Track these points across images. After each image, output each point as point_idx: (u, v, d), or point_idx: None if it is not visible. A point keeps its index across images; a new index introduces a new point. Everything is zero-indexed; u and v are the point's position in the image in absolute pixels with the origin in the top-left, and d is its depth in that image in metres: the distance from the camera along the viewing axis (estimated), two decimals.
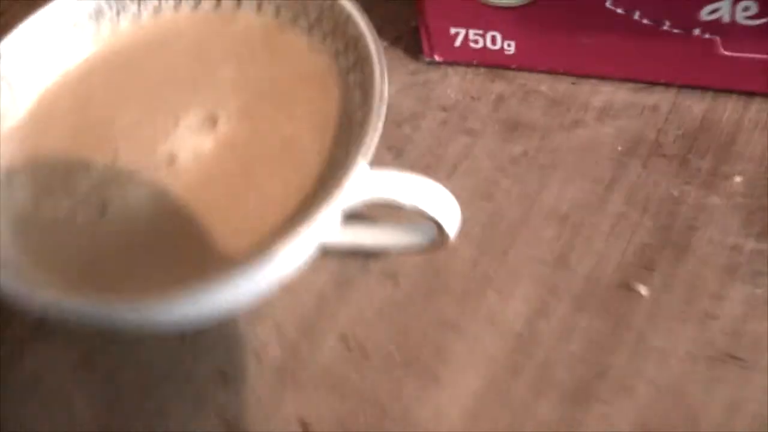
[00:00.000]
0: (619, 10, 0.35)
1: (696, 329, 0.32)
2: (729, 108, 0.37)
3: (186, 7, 0.37)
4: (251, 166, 0.32)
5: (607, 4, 0.35)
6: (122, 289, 0.31)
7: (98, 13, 0.37)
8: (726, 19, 0.34)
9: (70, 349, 0.35)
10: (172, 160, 0.33)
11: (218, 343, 0.34)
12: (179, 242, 0.31)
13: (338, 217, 0.30)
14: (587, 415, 0.31)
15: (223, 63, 0.35)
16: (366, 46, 0.32)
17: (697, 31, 0.35)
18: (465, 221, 0.33)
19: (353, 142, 0.30)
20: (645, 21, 0.35)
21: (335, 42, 0.34)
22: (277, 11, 0.36)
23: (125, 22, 0.37)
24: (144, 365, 0.34)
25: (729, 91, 0.38)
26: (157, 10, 0.37)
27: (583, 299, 0.34)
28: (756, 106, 0.37)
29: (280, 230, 0.29)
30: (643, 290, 0.34)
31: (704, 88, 0.38)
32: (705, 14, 0.34)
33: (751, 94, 0.37)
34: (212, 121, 0.34)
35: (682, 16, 0.35)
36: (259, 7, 0.36)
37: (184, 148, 0.33)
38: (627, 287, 0.34)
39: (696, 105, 0.38)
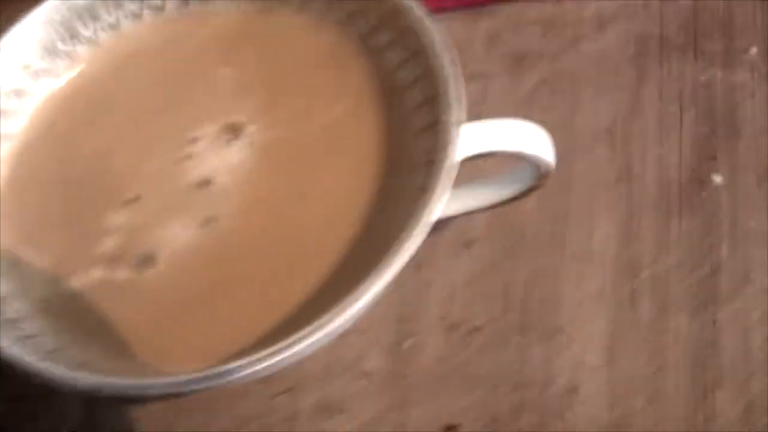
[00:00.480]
0: None
1: None
2: None
3: (149, 16, 0.32)
4: (299, 168, 0.29)
5: None
6: (173, 357, 0.26)
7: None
8: None
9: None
10: (206, 184, 0.28)
11: (312, 372, 0.30)
12: (238, 288, 0.27)
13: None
14: (720, 317, 0.30)
15: (214, 66, 0.31)
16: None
17: None
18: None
19: (428, 104, 0.27)
20: None
21: (342, 8, 0.30)
22: None
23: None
24: (236, 411, 0.30)
25: None
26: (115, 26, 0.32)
27: (665, 205, 0.32)
28: None
29: (378, 245, 0.26)
30: (717, 179, 0.33)
31: None
32: None
33: None
34: (233, 131, 0.30)
35: None
36: None
37: (216, 168, 0.29)
38: (700, 181, 0.33)
39: None
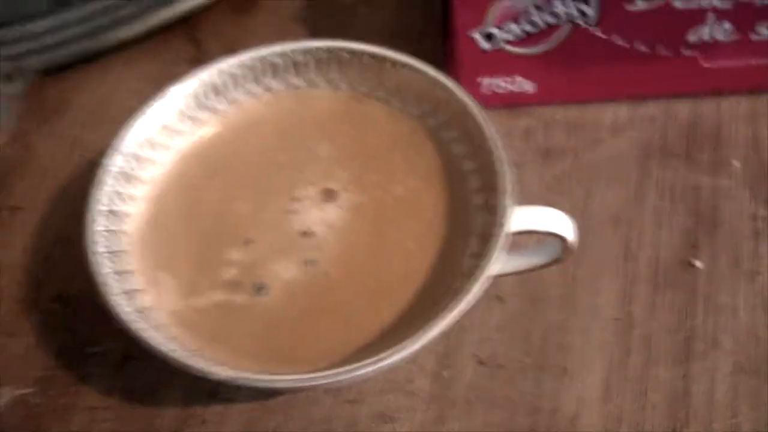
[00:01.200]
0: (624, 44, 0.43)
1: (748, 285, 0.41)
2: (708, 108, 0.46)
3: (264, 95, 0.41)
4: (380, 228, 0.37)
5: (614, 40, 0.43)
6: (295, 358, 0.35)
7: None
8: (707, 38, 0.43)
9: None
10: (308, 234, 0.37)
11: (371, 388, 0.39)
12: (330, 316, 0.36)
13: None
14: (692, 370, 0.38)
15: (315, 140, 0.40)
16: (459, 102, 0.38)
17: (684, 51, 0.44)
18: (538, 236, 0.39)
19: (486, 189, 0.36)
20: (643, 48, 0.43)
21: (420, 106, 0.39)
22: (352, 86, 0.40)
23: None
24: (307, 416, 0.38)
25: (705, 94, 0.46)
26: (236, 101, 0.41)
27: (655, 280, 0.41)
28: (727, 102, 0.46)
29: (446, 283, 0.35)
30: (698, 263, 0.41)
31: (687, 95, 0.46)
32: (691, 36, 0.43)
33: (720, 93, 0.46)
34: (329, 194, 0.38)
35: (673, 40, 0.43)
36: (335, 85, 0.41)
37: (315, 222, 0.37)
38: (684, 263, 0.41)
39: (683, 110, 0.46)
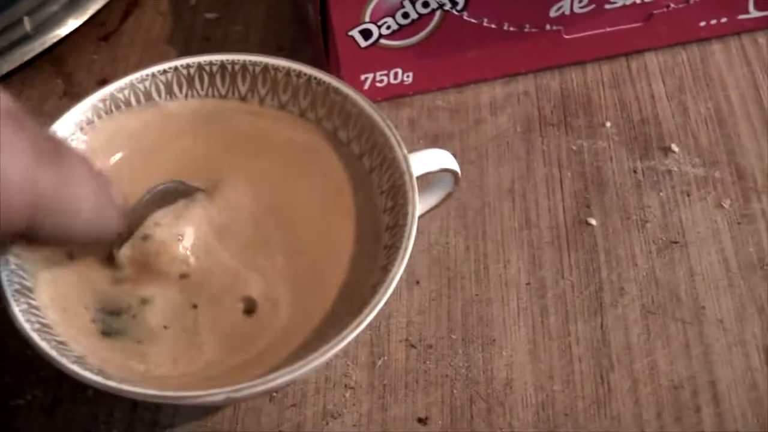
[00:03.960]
0: (493, 25, 0.45)
1: (639, 234, 0.44)
2: (574, 77, 0.49)
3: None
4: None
5: (484, 23, 0.45)
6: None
7: None
8: (567, 11, 0.46)
9: None
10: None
11: (310, 388, 0.39)
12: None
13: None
14: (606, 320, 0.41)
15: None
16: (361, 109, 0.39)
17: (548, 26, 0.46)
18: (442, 220, 0.43)
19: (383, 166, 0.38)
20: (511, 28, 0.46)
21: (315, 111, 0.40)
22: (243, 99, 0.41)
23: None
24: (256, 426, 0.38)
25: (569, 65, 0.49)
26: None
27: (557, 242, 0.43)
28: (591, 70, 0.50)
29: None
30: (593, 221, 0.44)
31: (552, 67, 0.49)
32: (553, 12, 0.46)
33: (583, 63, 0.50)
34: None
35: (537, 17, 0.46)
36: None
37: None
38: (581, 223, 0.44)
39: (551, 82, 0.49)
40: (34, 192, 0.26)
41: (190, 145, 0.40)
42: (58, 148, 0.28)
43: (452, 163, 0.39)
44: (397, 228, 0.36)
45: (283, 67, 0.40)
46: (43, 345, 0.32)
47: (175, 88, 0.40)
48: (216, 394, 0.31)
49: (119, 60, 0.51)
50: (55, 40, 0.49)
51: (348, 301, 0.35)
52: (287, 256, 0.37)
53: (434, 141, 0.47)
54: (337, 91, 0.39)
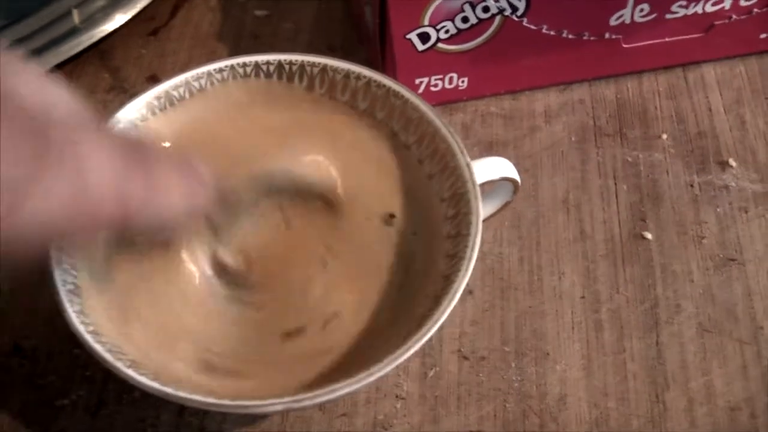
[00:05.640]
0: (552, 32, 0.44)
1: (695, 249, 0.43)
2: (630, 87, 0.49)
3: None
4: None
5: (543, 30, 0.44)
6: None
7: None
8: (627, 20, 0.45)
9: None
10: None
11: (361, 399, 0.38)
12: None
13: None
14: (662, 337, 0.40)
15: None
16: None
17: (607, 35, 0.45)
18: (495, 230, 0.42)
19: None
20: (570, 36, 0.45)
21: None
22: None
23: None
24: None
25: (626, 74, 0.49)
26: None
27: (612, 255, 0.43)
28: (647, 80, 0.49)
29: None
30: (648, 235, 0.43)
31: (609, 77, 0.48)
32: (613, 20, 0.45)
33: (639, 72, 0.49)
34: None
35: (597, 25, 0.45)
36: None
37: None
38: (637, 236, 0.43)
39: (607, 91, 0.48)
40: (124, 201, 0.26)
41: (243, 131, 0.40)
42: (146, 153, 0.28)
43: (513, 172, 0.38)
44: (460, 237, 0.35)
45: (342, 69, 0.39)
46: (98, 348, 0.32)
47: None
48: (275, 404, 0.31)
49: (167, 55, 0.50)
50: (103, 34, 0.49)
51: (407, 311, 0.35)
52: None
53: (488, 148, 0.46)
54: (397, 94, 0.38)
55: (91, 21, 0.49)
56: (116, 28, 0.49)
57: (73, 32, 0.49)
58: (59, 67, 0.48)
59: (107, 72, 0.49)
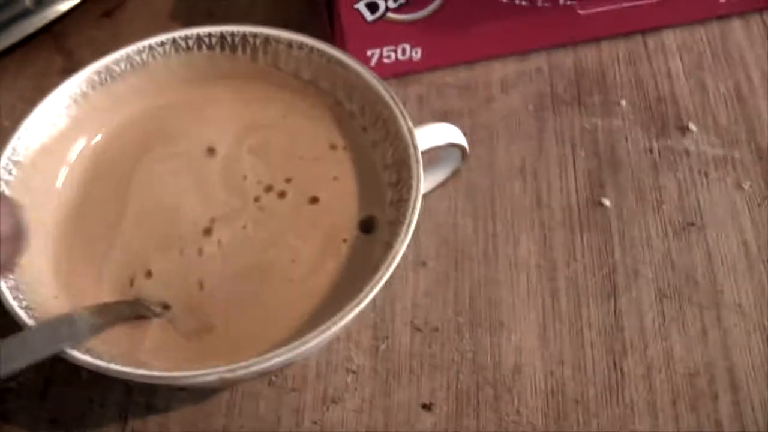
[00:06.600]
0: None
1: (655, 215, 0.42)
2: (589, 54, 0.48)
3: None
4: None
5: None
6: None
7: None
8: None
9: None
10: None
11: (311, 373, 0.38)
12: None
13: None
14: (620, 304, 0.39)
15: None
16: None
17: (561, 1, 0.45)
18: (450, 200, 0.42)
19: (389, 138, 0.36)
20: (524, 2, 0.44)
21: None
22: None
23: None
24: (253, 411, 0.37)
25: (584, 42, 0.48)
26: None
27: (569, 223, 0.42)
28: (606, 48, 0.48)
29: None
30: (606, 201, 0.42)
31: (566, 44, 0.47)
32: None
33: (598, 39, 0.48)
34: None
35: None
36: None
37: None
38: (595, 204, 0.42)
39: (566, 59, 0.47)
40: None
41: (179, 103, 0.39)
42: None
43: (459, 137, 0.37)
44: (401, 203, 0.34)
45: (284, 39, 0.38)
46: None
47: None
48: (209, 374, 0.30)
49: (121, 36, 0.49)
50: (55, 15, 0.48)
51: (351, 280, 0.34)
52: None
53: (443, 119, 0.45)
54: (339, 62, 0.37)
55: (43, 2, 0.49)
56: (69, 9, 0.48)
57: (25, 14, 0.48)
58: (11, 50, 0.48)
59: (60, 55, 0.49)
